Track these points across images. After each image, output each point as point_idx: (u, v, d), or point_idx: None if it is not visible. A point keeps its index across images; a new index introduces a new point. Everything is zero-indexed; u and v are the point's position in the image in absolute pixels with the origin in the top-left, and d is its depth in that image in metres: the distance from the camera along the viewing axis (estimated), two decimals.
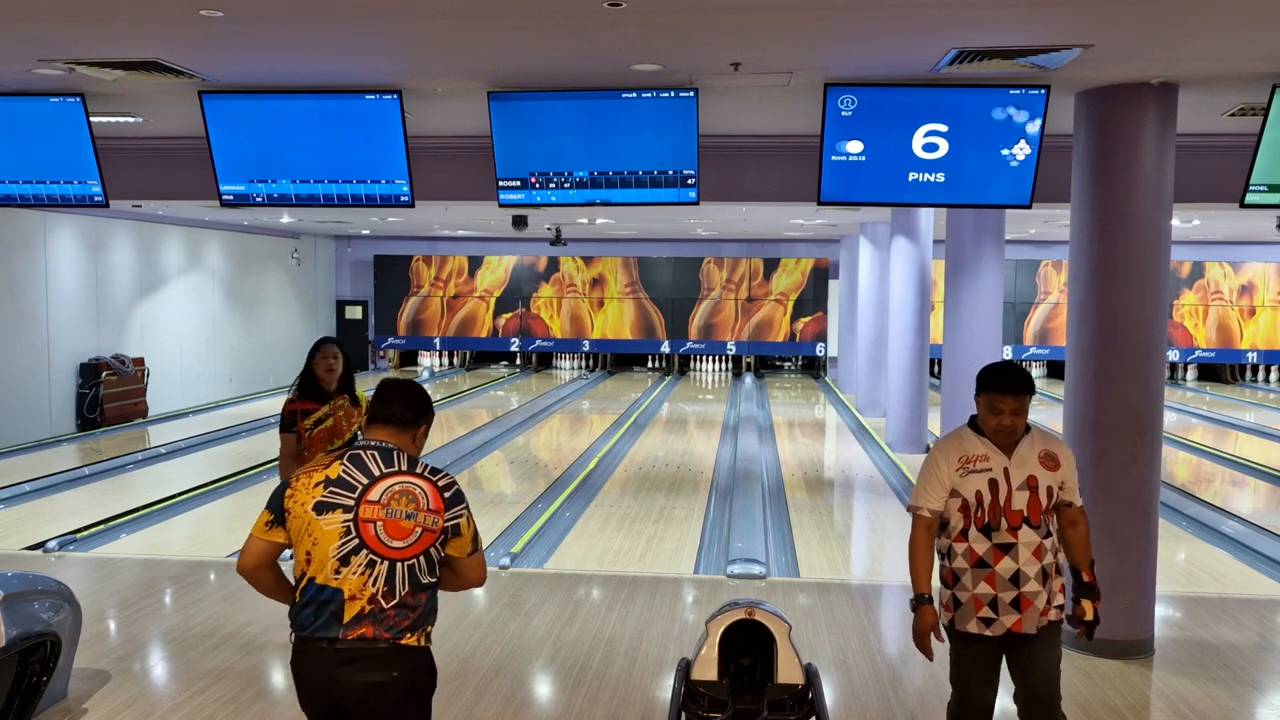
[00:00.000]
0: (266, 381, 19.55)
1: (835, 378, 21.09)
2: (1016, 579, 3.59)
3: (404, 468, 2.93)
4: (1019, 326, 21.97)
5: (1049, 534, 3.65)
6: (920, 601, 3.66)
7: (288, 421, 5.64)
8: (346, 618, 2.83)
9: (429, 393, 3.18)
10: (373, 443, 2.98)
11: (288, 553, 3.03)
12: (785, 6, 4.41)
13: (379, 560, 2.83)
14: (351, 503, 2.85)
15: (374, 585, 2.83)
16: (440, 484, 2.94)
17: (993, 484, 3.60)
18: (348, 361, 5.78)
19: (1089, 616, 3.72)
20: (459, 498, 2.96)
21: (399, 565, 2.85)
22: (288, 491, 2.90)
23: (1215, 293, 21.81)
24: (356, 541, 2.83)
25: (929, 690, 5.17)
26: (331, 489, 2.86)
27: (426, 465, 3.00)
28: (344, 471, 2.89)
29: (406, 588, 2.86)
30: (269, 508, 2.93)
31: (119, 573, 7.07)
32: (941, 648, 3.73)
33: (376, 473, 2.89)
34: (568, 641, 5.79)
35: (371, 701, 2.84)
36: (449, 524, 2.92)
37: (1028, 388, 3.61)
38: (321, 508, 2.85)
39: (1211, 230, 17.79)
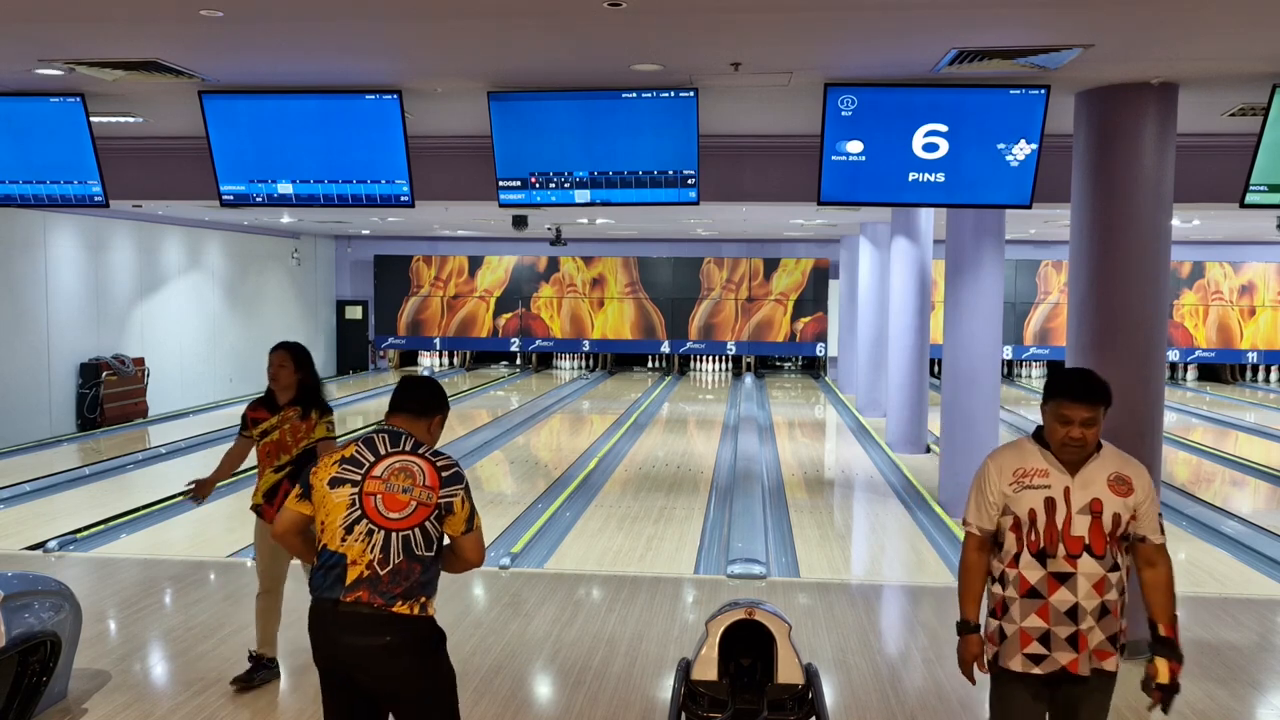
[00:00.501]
0: (266, 382, 19.52)
1: (835, 378, 21.09)
2: (1074, 613, 3.16)
3: (408, 449, 3.20)
4: (1019, 326, 21.97)
5: (1115, 566, 3.18)
6: (965, 629, 3.31)
7: (242, 423, 5.37)
8: (348, 580, 3.08)
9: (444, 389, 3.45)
10: (386, 427, 3.27)
11: None
12: (785, 6, 4.41)
13: (376, 529, 3.10)
14: (358, 478, 3.15)
15: (371, 552, 3.09)
16: (439, 464, 3.19)
17: (1049, 503, 3.18)
18: (308, 371, 5.20)
19: (1163, 679, 3.22)
20: (455, 479, 3.19)
21: (394, 535, 3.10)
22: (313, 469, 3.24)
23: (1215, 293, 21.81)
24: (359, 512, 3.11)
25: (929, 690, 5.17)
26: (344, 466, 3.17)
27: (431, 449, 3.25)
28: (356, 451, 3.20)
29: (400, 556, 3.10)
30: (299, 483, 3.27)
31: (119, 573, 7.07)
32: (982, 680, 3.44)
33: (383, 451, 3.19)
34: (568, 641, 5.79)
35: (370, 665, 3.08)
36: (443, 500, 3.15)
37: (1103, 397, 3.18)
38: (334, 482, 3.16)
39: (1211, 230, 17.79)
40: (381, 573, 3.07)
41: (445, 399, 3.39)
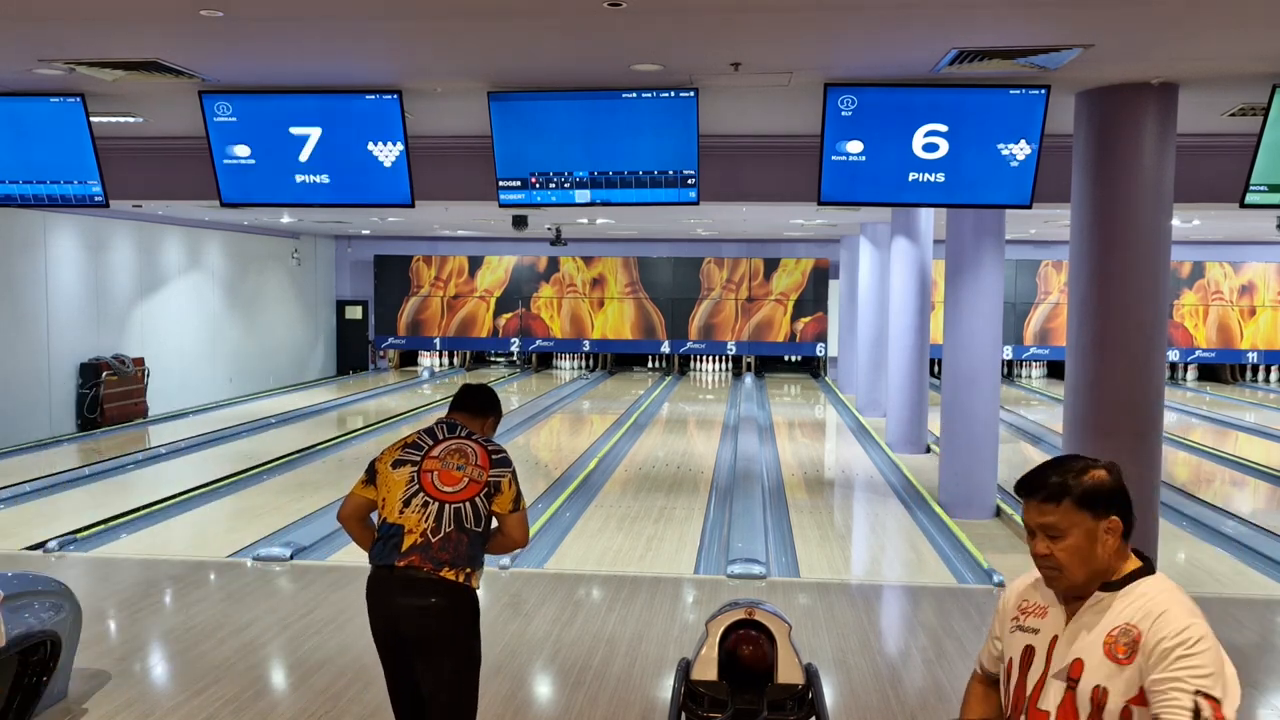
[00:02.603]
0: (266, 381, 19.55)
1: (835, 378, 21.09)
2: None
3: (463, 436, 3.59)
4: (1019, 326, 21.96)
5: None
6: None
7: None
8: (403, 548, 3.42)
9: (495, 394, 3.86)
10: (445, 420, 3.65)
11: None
12: (785, 6, 4.41)
13: (432, 501, 3.45)
14: (418, 459, 3.53)
15: (425, 522, 3.43)
16: (489, 448, 3.57)
17: (1027, 655, 2.22)
18: None
19: None
20: (504, 462, 3.57)
21: (447, 507, 3.45)
22: (379, 456, 3.60)
23: (1215, 293, 21.81)
24: (417, 487, 3.47)
25: (929, 690, 5.17)
26: (406, 450, 3.56)
27: (483, 438, 3.63)
28: (417, 439, 3.60)
29: (451, 526, 3.44)
30: (365, 471, 3.62)
31: (119, 573, 7.07)
32: None
33: (441, 438, 3.58)
34: (568, 641, 5.79)
35: (418, 624, 3.41)
36: (492, 479, 3.51)
37: (1064, 493, 2.11)
38: (397, 464, 3.54)
39: (1211, 230, 17.79)
40: (433, 540, 3.41)
41: (498, 404, 3.80)
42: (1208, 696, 1.94)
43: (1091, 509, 2.10)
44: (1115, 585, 2.12)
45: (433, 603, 3.39)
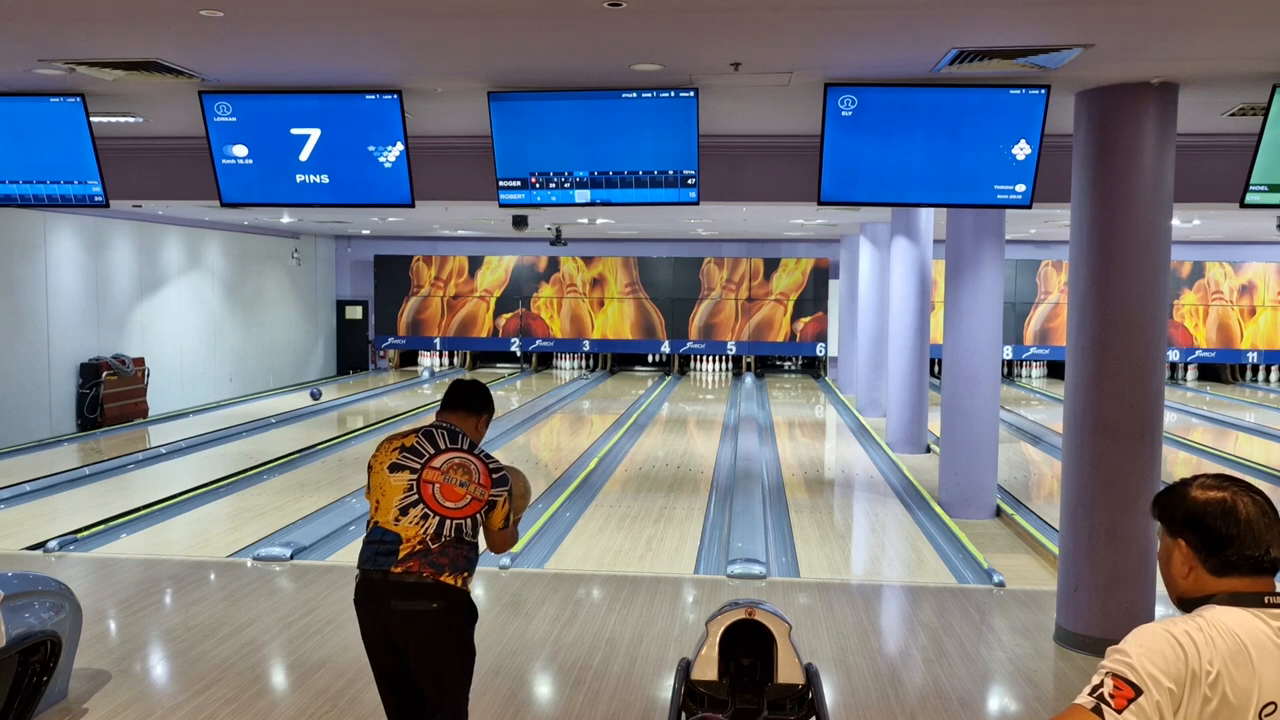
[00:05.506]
0: (266, 381, 19.55)
1: (835, 378, 21.09)
2: None
3: (464, 448, 3.56)
4: (1019, 326, 21.96)
5: None
6: None
7: None
8: (400, 555, 3.43)
9: (488, 391, 3.86)
10: (444, 424, 3.63)
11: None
12: (785, 6, 4.41)
13: (432, 515, 3.45)
14: (418, 467, 3.49)
15: (425, 533, 3.44)
16: (490, 466, 3.57)
17: None
18: None
19: None
20: (503, 480, 3.59)
21: (448, 521, 3.46)
22: (374, 454, 3.59)
23: (1215, 293, 21.81)
24: (416, 497, 3.46)
25: (929, 690, 5.17)
26: (404, 454, 3.52)
27: (483, 450, 3.62)
28: (416, 443, 3.54)
29: (451, 538, 3.46)
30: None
31: (119, 573, 7.07)
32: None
33: (442, 446, 3.54)
34: (568, 641, 5.79)
35: (414, 629, 3.43)
36: (492, 497, 3.54)
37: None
38: (394, 468, 3.51)
39: (1211, 230, 17.79)
40: (433, 547, 3.42)
41: (491, 401, 3.79)
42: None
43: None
44: None
45: (434, 607, 3.42)
